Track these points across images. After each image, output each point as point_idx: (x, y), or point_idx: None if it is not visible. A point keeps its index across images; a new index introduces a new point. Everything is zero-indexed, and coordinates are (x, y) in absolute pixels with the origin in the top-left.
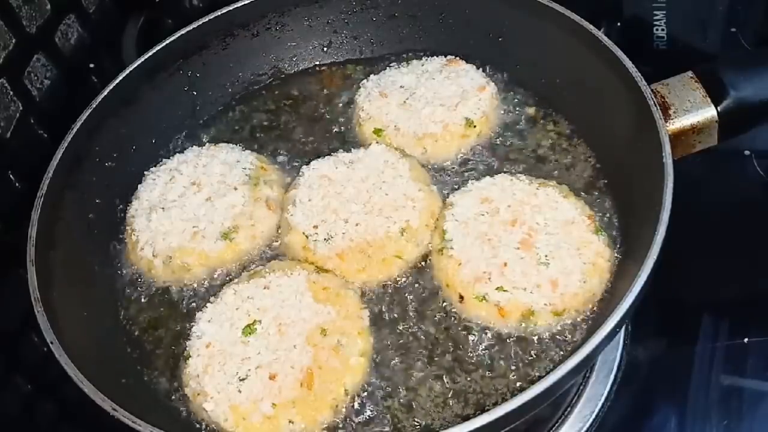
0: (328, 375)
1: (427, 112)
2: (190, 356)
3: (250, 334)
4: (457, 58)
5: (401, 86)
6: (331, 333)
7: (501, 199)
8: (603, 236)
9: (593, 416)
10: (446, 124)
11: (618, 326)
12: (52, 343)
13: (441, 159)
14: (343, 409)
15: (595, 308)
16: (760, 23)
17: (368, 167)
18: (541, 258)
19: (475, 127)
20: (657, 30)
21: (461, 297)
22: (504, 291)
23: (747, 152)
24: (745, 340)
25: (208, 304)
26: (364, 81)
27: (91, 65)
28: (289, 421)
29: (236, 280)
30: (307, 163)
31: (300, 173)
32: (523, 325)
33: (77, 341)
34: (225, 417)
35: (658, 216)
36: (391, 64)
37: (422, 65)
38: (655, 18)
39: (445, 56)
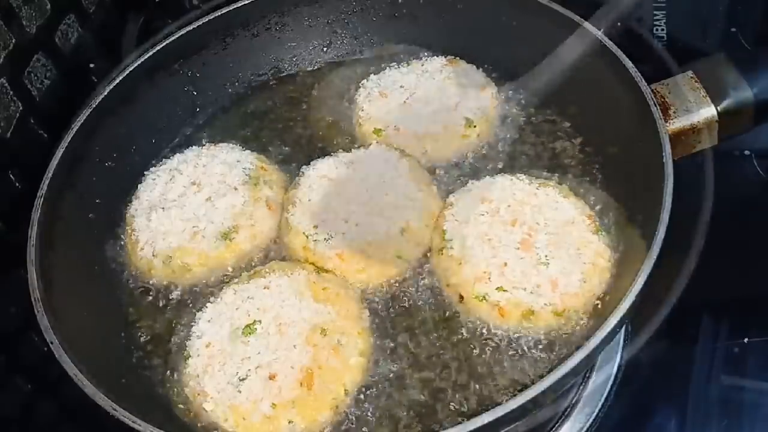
0: (327, 375)
1: (427, 112)
2: (190, 356)
3: (250, 334)
4: (458, 58)
5: (401, 86)
6: (330, 333)
7: (501, 199)
8: (603, 236)
9: (593, 416)
10: (446, 124)
11: (618, 326)
12: (52, 343)
13: (441, 159)
14: (344, 410)
15: (594, 308)
16: (761, 23)
17: (368, 167)
18: (541, 258)
19: (475, 127)
20: (657, 30)
21: (461, 297)
22: (504, 291)
23: (747, 152)
24: (745, 340)
25: (208, 304)
26: (364, 81)
27: (91, 65)
28: (289, 422)
29: (236, 280)
30: (307, 164)
31: (300, 173)
32: (524, 325)
33: (78, 342)
34: (225, 417)
35: (657, 216)
36: (391, 64)
37: (422, 65)
38: (655, 18)
39: (446, 56)
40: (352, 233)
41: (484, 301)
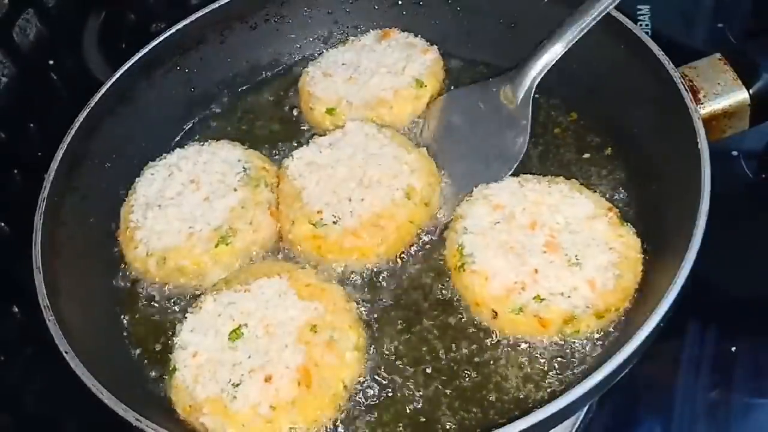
0: (325, 371)
1: (375, 81)
2: (176, 369)
3: (237, 338)
4: (393, 28)
5: (343, 64)
6: (321, 329)
7: (513, 203)
8: (629, 227)
9: (576, 427)
10: (397, 88)
11: (662, 320)
12: (66, 353)
13: (400, 124)
14: (344, 407)
15: (631, 305)
16: (748, 18)
17: (351, 144)
18: (571, 259)
19: (425, 86)
20: (641, 25)
21: (495, 313)
22: (541, 300)
23: (735, 153)
24: (733, 348)
25: (187, 315)
26: (305, 68)
27: (51, 62)
28: (291, 422)
29: (214, 289)
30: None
31: (284, 165)
32: (564, 331)
33: (87, 349)
34: (223, 427)
35: (695, 205)
36: (325, 47)
37: (359, 41)
38: (639, 12)
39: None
40: (358, 209)
41: (521, 313)
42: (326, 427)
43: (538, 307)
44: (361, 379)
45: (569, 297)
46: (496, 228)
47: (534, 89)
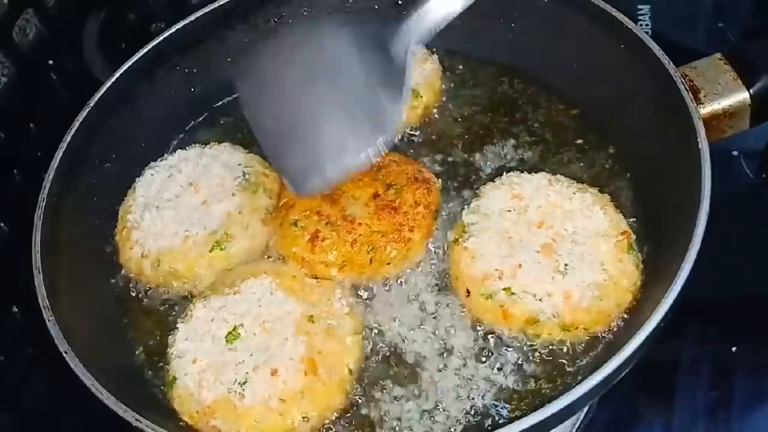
0: (328, 358)
1: None
2: (176, 378)
3: (234, 339)
4: None
5: None
6: (319, 318)
7: (533, 197)
8: (634, 256)
9: (577, 425)
10: None
11: (663, 320)
12: (66, 353)
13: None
14: (352, 391)
15: (610, 331)
16: (748, 18)
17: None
18: (559, 266)
19: (421, 97)
20: (641, 25)
21: (468, 292)
22: (511, 294)
23: (735, 153)
24: (733, 348)
25: (179, 325)
26: None
27: (51, 62)
28: (302, 411)
29: (202, 297)
30: None
31: None
32: (527, 332)
33: (87, 349)
34: (236, 426)
35: (695, 205)
36: None
37: None
38: (639, 12)
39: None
40: None
41: (489, 300)
42: (337, 412)
43: (506, 299)
44: (364, 365)
45: (540, 300)
46: (505, 215)
47: (416, 44)
